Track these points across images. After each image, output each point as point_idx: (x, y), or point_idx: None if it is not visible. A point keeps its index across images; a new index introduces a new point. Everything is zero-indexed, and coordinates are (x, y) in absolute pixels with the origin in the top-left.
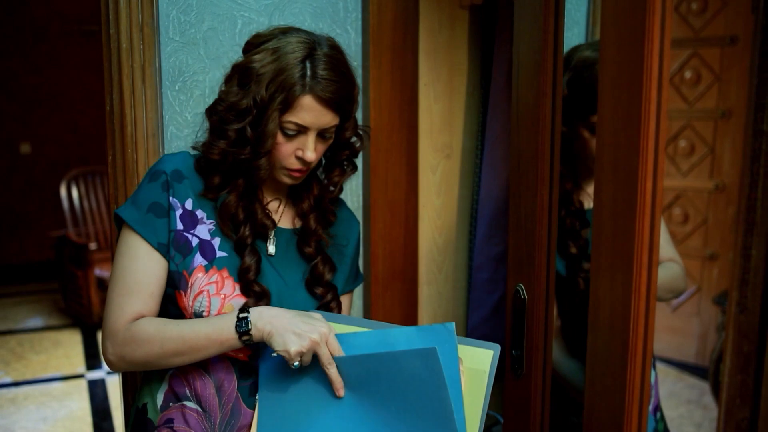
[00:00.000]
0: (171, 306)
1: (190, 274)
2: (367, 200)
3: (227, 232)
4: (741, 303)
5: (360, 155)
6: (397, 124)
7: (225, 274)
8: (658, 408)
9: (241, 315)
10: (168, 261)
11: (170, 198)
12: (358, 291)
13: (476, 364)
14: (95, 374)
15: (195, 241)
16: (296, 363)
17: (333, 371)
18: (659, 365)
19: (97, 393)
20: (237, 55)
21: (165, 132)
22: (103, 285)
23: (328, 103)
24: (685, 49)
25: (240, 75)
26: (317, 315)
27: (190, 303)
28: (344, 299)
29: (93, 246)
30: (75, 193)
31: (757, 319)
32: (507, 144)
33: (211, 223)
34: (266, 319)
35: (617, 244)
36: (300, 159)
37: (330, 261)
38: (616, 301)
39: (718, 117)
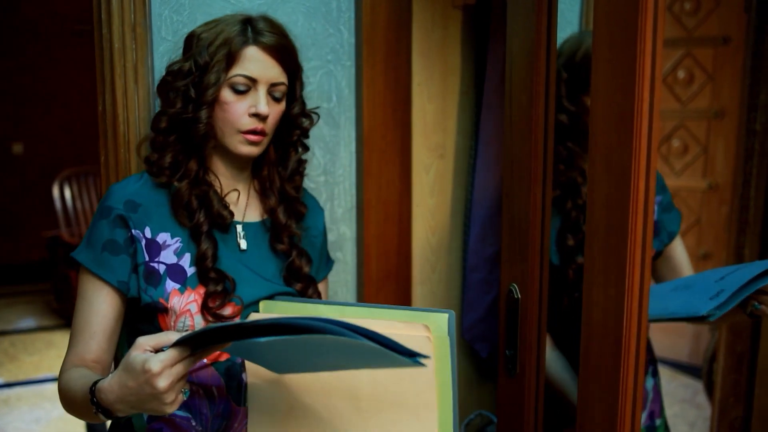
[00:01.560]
0: (149, 326)
1: (167, 300)
2: (360, 200)
3: (184, 222)
4: None
5: (353, 155)
6: (390, 124)
7: (201, 290)
8: (660, 414)
9: (92, 400)
10: (136, 295)
11: (132, 231)
12: (351, 291)
13: (437, 330)
14: None
15: (162, 269)
16: (186, 392)
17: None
18: None
19: None
20: None
21: None
22: None
23: (272, 51)
24: (678, 48)
25: (184, 46)
26: (138, 359)
27: (173, 324)
28: (321, 286)
29: None
30: (68, 193)
31: (750, 319)
32: (501, 144)
33: (176, 241)
34: (112, 407)
35: (610, 243)
36: (255, 116)
37: (306, 254)
38: (609, 299)
39: (711, 117)
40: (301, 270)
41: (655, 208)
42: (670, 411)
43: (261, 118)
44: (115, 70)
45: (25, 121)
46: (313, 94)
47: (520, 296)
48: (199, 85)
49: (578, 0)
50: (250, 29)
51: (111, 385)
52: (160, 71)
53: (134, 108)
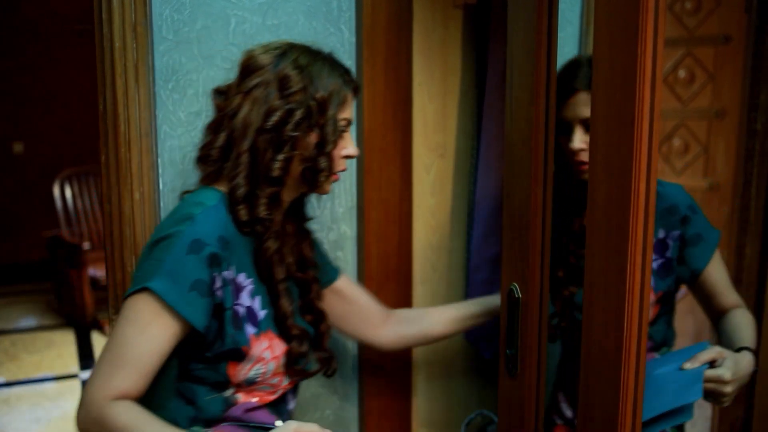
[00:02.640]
0: (211, 372)
1: (249, 348)
2: (361, 200)
3: (263, 274)
4: None
5: None
6: (390, 124)
7: (270, 335)
8: None
9: None
10: (213, 340)
11: (223, 273)
12: None
13: None
14: (88, 374)
15: (242, 311)
16: None
17: None
18: None
19: None
20: (231, 54)
21: (158, 131)
22: (97, 284)
23: (356, 95)
24: (678, 48)
25: (279, 87)
26: None
27: (245, 373)
28: (344, 284)
29: (86, 246)
30: (68, 192)
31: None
32: (502, 144)
33: (250, 282)
34: None
35: (611, 245)
36: (346, 157)
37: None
38: (610, 301)
39: (711, 116)
40: (314, 302)
41: (672, 244)
42: None
43: (352, 158)
44: (115, 69)
45: (25, 120)
46: None
47: (520, 296)
48: (321, 131)
49: None
50: (343, 71)
51: None
52: (160, 70)
53: (135, 107)
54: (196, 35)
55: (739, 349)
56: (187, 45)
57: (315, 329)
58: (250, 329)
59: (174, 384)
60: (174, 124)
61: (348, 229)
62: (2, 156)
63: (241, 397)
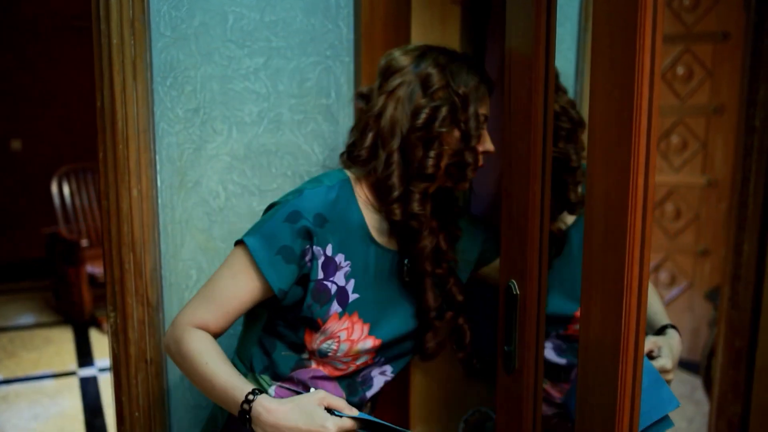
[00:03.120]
0: (291, 332)
1: (324, 322)
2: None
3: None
4: (733, 299)
5: None
6: None
7: (355, 318)
8: None
9: (244, 405)
10: (291, 305)
11: (313, 247)
12: None
13: None
14: (87, 371)
15: (333, 289)
16: None
17: None
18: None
19: (89, 390)
20: (229, 51)
21: (156, 128)
22: (95, 282)
23: (491, 93)
24: (677, 44)
25: (423, 86)
26: (318, 411)
27: (317, 344)
28: None
29: (85, 243)
30: (66, 189)
31: (748, 315)
32: (501, 140)
33: (348, 265)
34: (263, 425)
35: (609, 241)
36: (484, 153)
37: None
38: (608, 297)
39: (710, 113)
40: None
41: None
42: None
43: (489, 153)
44: (113, 65)
45: (23, 118)
46: (311, 90)
47: (518, 292)
48: (463, 124)
49: None
50: (484, 73)
51: (277, 410)
52: (158, 66)
53: (132, 104)
54: (193, 32)
55: (662, 329)
56: (185, 41)
57: (454, 323)
58: (335, 307)
59: (259, 333)
60: (172, 121)
61: None
62: (0, 153)
63: (314, 364)
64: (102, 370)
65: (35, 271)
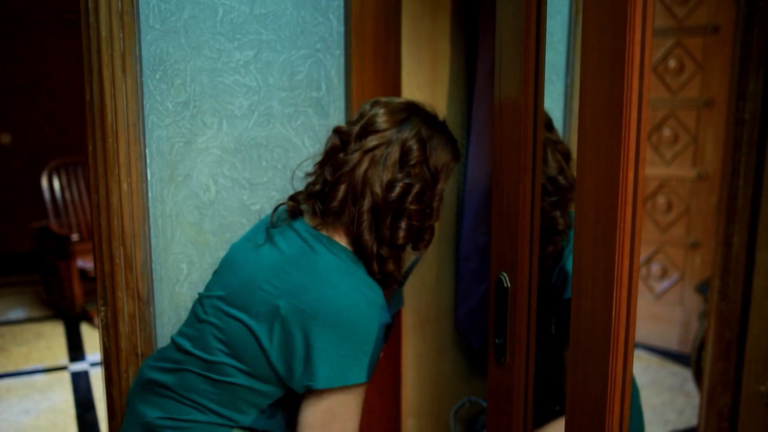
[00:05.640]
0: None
1: None
2: None
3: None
4: (723, 291)
5: None
6: None
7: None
8: None
9: None
10: None
11: None
12: None
13: None
14: (78, 366)
15: None
16: None
17: None
18: (642, 353)
19: (81, 385)
20: (218, 44)
21: (146, 121)
22: (86, 276)
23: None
24: (668, 38)
25: (401, 157)
26: None
27: None
28: None
29: (75, 237)
30: (56, 183)
31: (738, 307)
32: (492, 133)
33: None
34: None
35: (599, 233)
36: None
37: None
38: (598, 289)
39: (700, 106)
40: None
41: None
42: (658, 399)
43: None
44: (102, 59)
45: (12, 111)
46: (302, 83)
47: (509, 285)
48: (430, 205)
49: None
50: (455, 146)
51: None
52: (147, 60)
53: (122, 97)
54: (183, 24)
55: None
56: (175, 34)
57: None
58: None
59: (268, 404)
60: (161, 114)
61: None
62: None
63: None
64: (93, 364)
65: (25, 265)
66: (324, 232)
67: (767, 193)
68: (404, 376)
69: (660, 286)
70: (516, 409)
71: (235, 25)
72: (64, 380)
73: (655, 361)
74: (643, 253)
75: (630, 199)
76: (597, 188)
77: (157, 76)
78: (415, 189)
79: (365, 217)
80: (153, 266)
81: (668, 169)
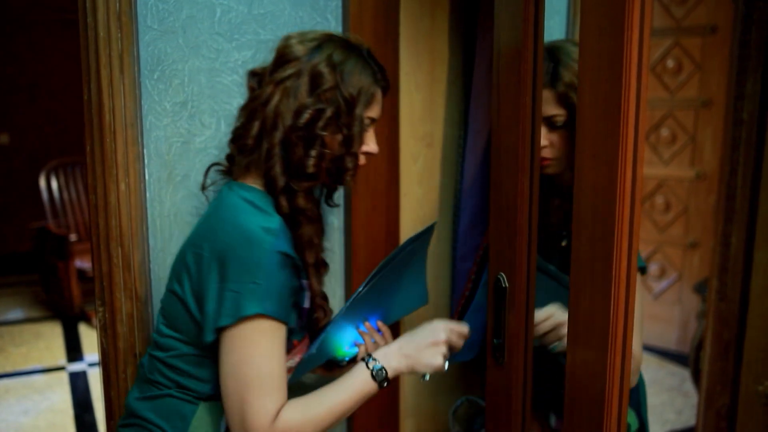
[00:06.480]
0: None
1: (300, 342)
2: (348, 189)
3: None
4: (721, 291)
5: None
6: None
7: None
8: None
9: (373, 366)
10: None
11: (302, 281)
12: (339, 281)
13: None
14: (77, 366)
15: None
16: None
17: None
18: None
19: (79, 385)
20: (216, 44)
21: (144, 121)
22: (84, 276)
23: (386, 93)
24: (667, 38)
25: (311, 83)
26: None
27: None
28: None
29: (73, 237)
30: (54, 184)
31: (736, 307)
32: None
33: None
34: (397, 358)
35: (597, 233)
36: (366, 154)
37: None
38: (596, 291)
39: (699, 106)
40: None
41: None
42: (657, 399)
43: (373, 154)
44: (100, 59)
45: (10, 111)
46: None
47: (507, 285)
48: (346, 128)
49: None
50: (377, 68)
51: (398, 343)
52: (145, 60)
53: (120, 97)
54: (181, 25)
55: None
56: (173, 35)
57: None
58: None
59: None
60: (159, 114)
61: (335, 219)
62: None
63: None
64: (92, 364)
65: (24, 265)
66: (241, 179)
67: (765, 193)
68: (402, 376)
69: (658, 286)
70: (514, 409)
71: (233, 25)
72: (63, 380)
73: (653, 361)
74: (642, 253)
75: (628, 199)
76: (595, 188)
77: (155, 77)
78: (327, 114)
79: (276, 150)
80: (151, 266)
81: (666, 169)
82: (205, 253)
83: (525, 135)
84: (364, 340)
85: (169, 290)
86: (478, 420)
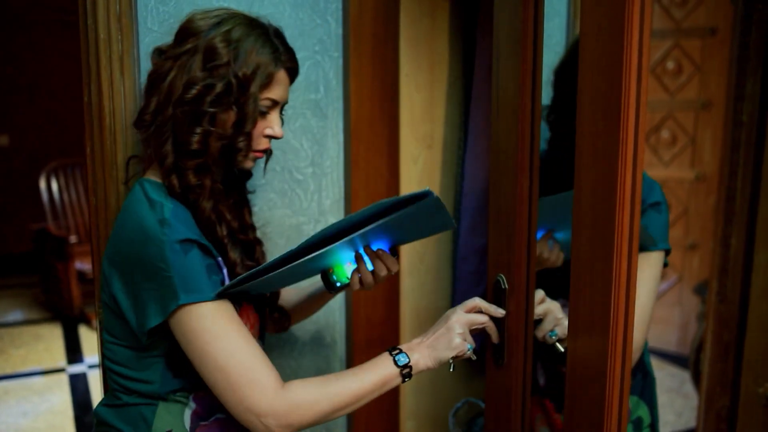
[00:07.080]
0: None
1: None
2: (348, 191)
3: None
4: (721, 292)
5: (341, 146)
6: (378, 115)
7: (250, 311)
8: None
9: (400, 359)
10: None
11: (217, 258)
12: None
13: None
14: (76, 368)
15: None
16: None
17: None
18: None
19: (79, 387)
20: None
21: None
22: (84, 278)
23: (293, 74)
24: (667, 40)
25: (204, 58)
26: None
27: None
28: None
29: (73, 239)
30: (54, 185)
31: (736, 309)
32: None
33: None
34: (418, 350)
35: (597, 235)
36: (268, 137)
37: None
38: (596, 289)
39: (699, 108)
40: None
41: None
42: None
43: (276, 138)
44: (100, 60)
45: (11, 112)
46: (300, 85)
47: (507, 287)
48: (237, 107)
49: None
50: (281, 48)
51: (424, 339)
52: (145, 61)
53: (120, 99)
54: None
55: None
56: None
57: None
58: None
59: (161, 359)
60: None
61: (335, 221)
62: None
63: None
64: (92, 366)
65: (24, 267)
66: (148, 173)
67: (765, 195)
68: None
69: (659, 287)
70: (514, 409)
71: None
72: (62, 382)
73: (653, 362)
74: None
75: (628, 200)
76: (595, 190)
77: None
78: (216, 90)
79: (167, 126)
80: None
81: (666, 171)
82: (117, 258)
83: (524, 137)
84: (357, 264)
85: (101, 298)
86: (478, 422)
